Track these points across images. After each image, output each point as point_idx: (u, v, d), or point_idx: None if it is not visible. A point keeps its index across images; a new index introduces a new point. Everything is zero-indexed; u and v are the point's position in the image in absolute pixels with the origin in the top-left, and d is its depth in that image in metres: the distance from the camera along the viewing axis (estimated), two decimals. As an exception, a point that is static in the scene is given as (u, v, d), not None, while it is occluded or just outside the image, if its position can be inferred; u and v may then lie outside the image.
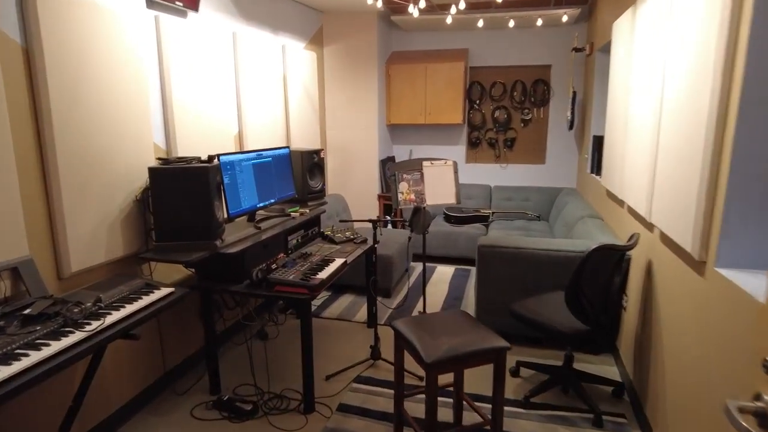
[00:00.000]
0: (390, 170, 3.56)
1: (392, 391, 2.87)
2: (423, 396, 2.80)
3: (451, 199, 3.51)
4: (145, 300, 2.04)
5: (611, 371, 3.09)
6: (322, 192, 3.88)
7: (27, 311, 1.80)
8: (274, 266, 2.71)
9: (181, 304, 3.03)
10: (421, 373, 3.07)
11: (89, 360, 2.13)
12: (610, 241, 3.09)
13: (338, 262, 2.93)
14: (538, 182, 5.82)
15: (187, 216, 2.50)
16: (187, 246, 2.53)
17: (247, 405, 2.69)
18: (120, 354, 2.57)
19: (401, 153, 6.10)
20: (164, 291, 2.16)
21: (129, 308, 1.95)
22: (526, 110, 5.70)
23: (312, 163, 3.74)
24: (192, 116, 3.05)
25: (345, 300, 4.29)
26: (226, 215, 2.81)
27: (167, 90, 2.83)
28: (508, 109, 5.74)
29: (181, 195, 2.48)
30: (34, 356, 1.57)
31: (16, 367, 1.50)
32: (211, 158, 2.61)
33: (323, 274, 2.67)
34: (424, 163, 3.54)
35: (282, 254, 3.11)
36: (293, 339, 3.59)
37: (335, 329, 3.74)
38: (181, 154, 2.96)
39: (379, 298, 4.30)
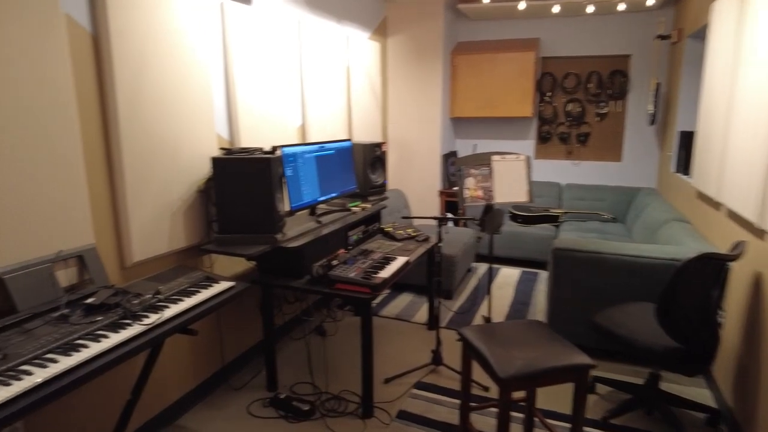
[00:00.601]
0: (455, 164, 3.36)
1: (455, 401, 2.69)
2: (490, 409, 2.60)
3: (522, 197, 3.26)
4: (204, 294, 1.98)
5: (702, 395, 2.75)
6: (383, 187, 3.74)
7: (90, 300, 1.77)
8: (334, 262, 2.60)
9: (241, 297, 2.99)
10: (487, 382, 2.86)
11: (148, 353, 2.09)
12: (703, 247, 2.74)
13: (401, 260, 2.77)
14: (614, 181, 5.41)
15: (249, 208, 2.43)
16: (248, 239, 2.46)
17: (304, 405, 2.60)
18: (179, 345, 2.55)
19: (464, 148, 5.86)
20: (224, 285, 2.08)
21: (188, 302, 1.89)
22: (602, 103, 5.29)
23: (374, 156, 3.61)
24: (256, 107, 2.99)
25: (404, 299, 4.14)
26: (287, 208, 2.72)
27: (231, 79, 2.78)
28: (581, 101, 5.36)
29: (243, 186, 2.41)
30: (94, 348, 1.52)
31: (75, 359, 1.45)
32: (273, 149, 2.52)
33: (385, 273, 2.52)
34: (494, 158, 3.32)
35: (342, 250, 2.99)
36: (351, 336, 3.48)
37: (393, 329, 3.59)
38: (244, 146, 2.91)
39: (440, 299, 4.11)
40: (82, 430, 2.04)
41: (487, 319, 3.53)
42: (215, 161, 2.39)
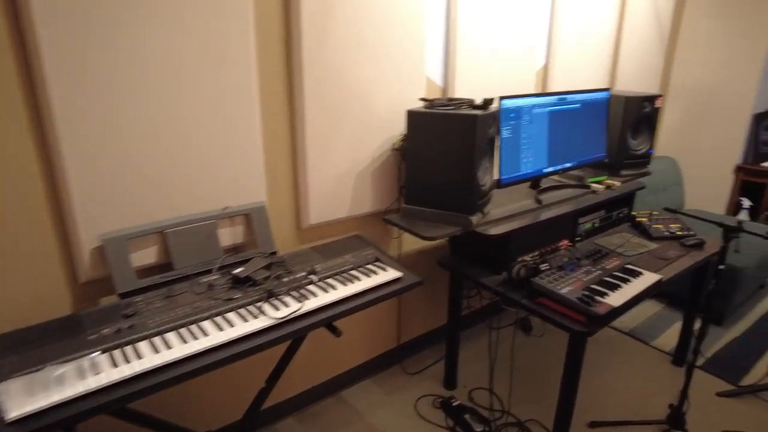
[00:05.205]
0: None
1: (694, 499, 1.82)
2: None
3: None
4: (362, 284, 1.59)
5: None
6: (646, 158, 2.73)
7: (237, 271, 1.57)
8: (544, 266, 1.91)
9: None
10: (757, 487, 1.88)
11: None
12: None
13: (648, 278, 1.91)
14: None
15: (443, 177, 1.92)
16: (438, 216, 1.97)
17: (478, 425, 2.12)
18: (356, 316, 2.31)
19: (794, 106, 4.03)
20: (390, 274, 1.67)
21: (339, 292, 1.53)
22: None
23: (640, 114, 2.61)
24: (482, 43, 2.35)
25: (647, 308, 3.14)
26: (495, 179, 2.12)
27: (452, 5, 2.19)
28: None
29: (438, 149, 1.89)
30: (211, 339, 1.29)
31: (186, 349, 1.24)
32: (486, 102, 1.90)
33: (616, 299, 1.74)
34: None
35: (566, 241, 2.26)
36: (562, 341, 2.78)
37: (622, 349, 2.73)
38: (461, 93, 2.35)
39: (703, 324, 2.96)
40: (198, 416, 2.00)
41: (780, 380, 2.36)
42: (410, 115, 1.92)
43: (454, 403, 2.22)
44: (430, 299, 2.62)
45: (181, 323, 1.35)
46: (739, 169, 3.74)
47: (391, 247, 2.34)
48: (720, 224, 1.90)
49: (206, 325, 1.36)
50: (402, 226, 1.97)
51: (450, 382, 2.41)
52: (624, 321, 2.98)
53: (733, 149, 3.74)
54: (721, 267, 1.91)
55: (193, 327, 1.35)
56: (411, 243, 2.41)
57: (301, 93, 1.80)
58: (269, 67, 1.73)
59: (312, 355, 2.21)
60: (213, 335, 1.31)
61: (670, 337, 2.81)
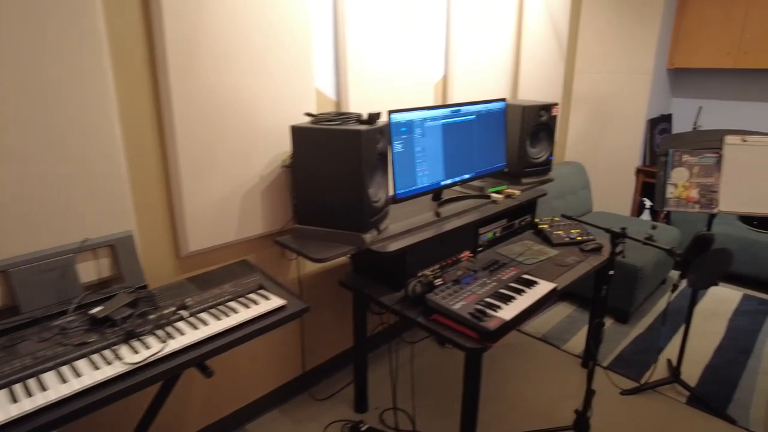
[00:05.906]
0: (660, 146, 2.26)
1: (596, 504, 1.83)
2: None
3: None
4: (239, 316, 1.49)
5: None
6: (546, 165, 2.79)
7: (95, 311, 1.42)
8: (438, 281, 1.88)
9: (334, 291, 2.50)
10: (654, 484, 1.92)
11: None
12: None
13: (542, 288, 1.92)
14: None
15: (333, 195, 1.84)
16: (330, 235, 1.90)
17: (385, 448, 2.05)
18: (256, 344, 2.18)
19: (684, 111, 4.30)
20: (273, 303, 1.57)
21: (211, 328, 1.42)
22: None
23: (537, 123, 2.67)
24: (375, 55, 2.32)
25: (560, 312, 3.21)
26: (391, 194, 2.07)
27: (340, 12, 2.14)
28: None
29: (326, 167, 1.82)
30: (48, 394, 1.14)
31: (13, 411, 1.09)
32: (374, 117, 1.85)
33: (509, 312, 1.72)
34: (728, 139, 2.13)
35: (467, 253, 2.25)
36: (476, 354, 2.77)
37: (534, 354, 2.76)
38: (355, 108, 2.29)
39: (608, 323, 3.07)
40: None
41: (674, 370, 2.46)
42: (294, 131, 1.83)
43: (363, 428, 2.14)
44: (337, 319, 2.53)
45: (15, 378, 1.18)
46: (639, 171, 3.95)
47: (289, 269, 2.23)
48: (606, 230, 1.95)
49: (48, 377, 1.21)
50: (293, 248, 1.87)
51: (361, 405, 2.32)
52: (536, 326, 3.02)
53: (633, 152, 3.94)
54: (611, 272, 1.96)
55: (31, 381, 1.19)
56: (311, 264, 2.32)
57: (170, 109, 1.67)
58: (131, 86, 1.59)
59: (210, 389, 2.06)
60: (52, 389, 1.16)
61: (580, 340, 2.87)
